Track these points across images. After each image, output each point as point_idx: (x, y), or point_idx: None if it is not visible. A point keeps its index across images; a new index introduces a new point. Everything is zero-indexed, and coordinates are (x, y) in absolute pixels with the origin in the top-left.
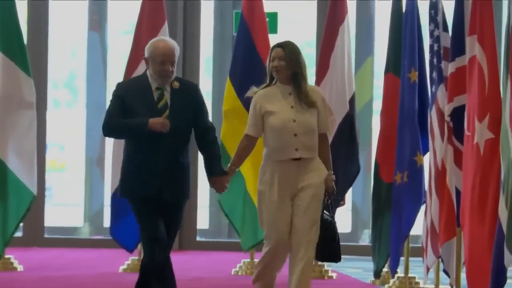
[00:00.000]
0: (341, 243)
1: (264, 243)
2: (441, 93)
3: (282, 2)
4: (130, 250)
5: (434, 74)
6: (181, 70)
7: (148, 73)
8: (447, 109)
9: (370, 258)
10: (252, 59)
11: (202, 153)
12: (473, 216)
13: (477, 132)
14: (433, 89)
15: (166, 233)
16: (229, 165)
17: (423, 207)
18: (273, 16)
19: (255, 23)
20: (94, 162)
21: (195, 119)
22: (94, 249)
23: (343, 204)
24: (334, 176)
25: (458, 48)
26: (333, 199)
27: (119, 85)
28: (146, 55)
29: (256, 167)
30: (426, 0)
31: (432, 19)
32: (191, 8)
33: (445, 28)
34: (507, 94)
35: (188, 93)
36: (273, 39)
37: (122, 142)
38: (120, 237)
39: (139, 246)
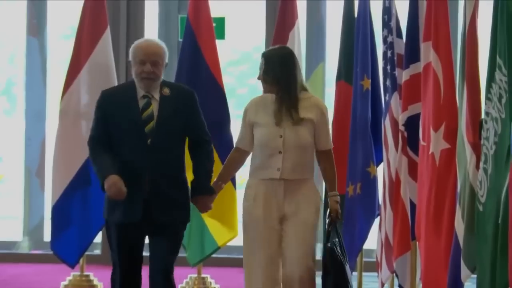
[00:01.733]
0: None
1: (244, 272)
2: (395, 101)
3: (229, 6)
4: (72, 265)
5: (388, 82)
6: (124, 77)
7: (135, 80)
8: (401, 118)
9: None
10: (198, 65)
11: (192, 168)
12: (429, 229)
13: (433, 142)
14: (387, 97)
15: (158, 255)
16: (215, 180)
17: (377, 220)
18: (220, 21)
19: (202, 28)
20: (34, 173)
21: (187, 130)
22: (34, 264)
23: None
24: (338, 197)
25: (412, 54)
26: (338, 224)
27: (101, 94)
28: (130, 57)
29: None
30: (379, 0)
31: (386, 24)
32: (134, 12)
33: (399, 34)
34: (463, 102)
35: (180, 100)
36: (220, 45)
37: (63, 152)
38: (61, 251)
39: (81, 260)
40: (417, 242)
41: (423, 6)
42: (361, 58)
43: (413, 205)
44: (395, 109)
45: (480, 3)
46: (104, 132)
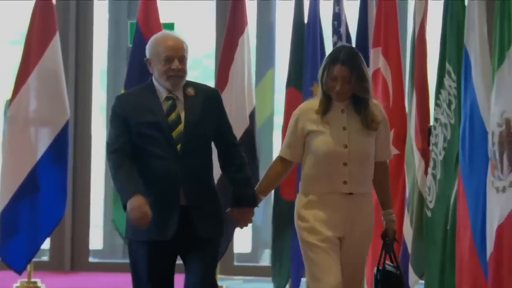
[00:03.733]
0: (240, 264)
1: None
2: None
3: (179, 12)
4: (19, 271)
5: None
6: (73, 83)
7: (154, 79)
8: None
9: (270, 279)
10: (148, 70)
11: (228, 177)
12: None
13: None
14: None
15: (199, 274)
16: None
17: None
18: (170, 26)
19: (151, 33)
20: None
21: (217, 134)
22: None
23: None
24: (394, 215)
25: None
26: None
27: (118, 100)
28: (147, 55)
29: None
30: (329, 6)
31: (335, 30)
32: (83, 18)
33: (349, 40)
34: (412, 108)
35: (207, 101)
36: None
37: (11, 158)
38: (8, 258)
39: (29, 267)
40: None
41: (372, 12)
42: (310, 64)
43: None
44: None
45: (430, 10)
46: (127, 142)
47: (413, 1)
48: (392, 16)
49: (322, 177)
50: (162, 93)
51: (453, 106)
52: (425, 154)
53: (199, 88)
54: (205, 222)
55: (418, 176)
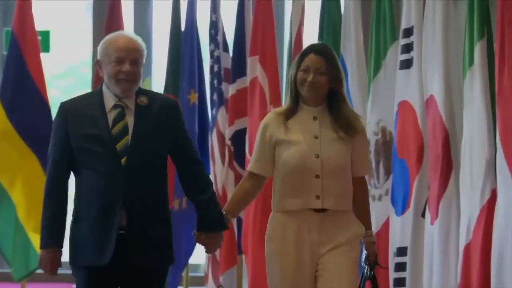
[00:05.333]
0: None
1: None
2: (222, 116)
3: (55, 20)
4: None
5: (215, 96)
6: None
7: (104, 85)
8: (228, 132)
9: None
10: (23, 78)
11: (191, 199)
12: (256, 242)
13: None
14: (214, 112)
15: None
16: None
17: None
18: (46, 34)
19: (26, 41)
20: None
21: (174, 150)
22: None
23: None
24: (375, 237)
25: (239, 69)
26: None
27: (61, 107)
28: (98, 56)
29: (30, 190)
30: (206, 14)
31: (212, 38)
32: None
33: (226, 49)
34: None
35: (161, 111)
36: (45, 58)
37: None
38: None
39: None
40: (243, 256)
41: (249, 21)
42: (188, 72)
43: (239, 220)
44: (222, 124)
45: (307, 17)
46: (64, 155)
47: (291, 2)
48: (269, 25)
49: (292, 191)
50: (110, 100)
51: None
52: None
53: (154, 97)
54: (144, 249)
55: None
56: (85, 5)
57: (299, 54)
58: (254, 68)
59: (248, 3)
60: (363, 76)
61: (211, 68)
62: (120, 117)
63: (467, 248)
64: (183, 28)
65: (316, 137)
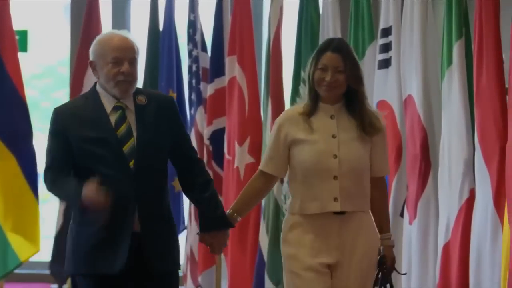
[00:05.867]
0: None
1: None
2: (200, 115)
3: (32, 19)
4: None
5: (193, 96)
6: None
7: (98, 86)
8: (206, 132)
9: None
10: (1, 78)
11: (192, 199)
12: (234, 242)
13: (238, 156)
14: (192, 111)
15: None
16: (229, 212)
17: (183, 234)
18: (23, 33)
19: (4, 41)
20: None
21: (174, 149)
22: None
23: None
24: (393, 240)
25: (217, 69)
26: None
27: (55, 112)
28: (91, 57)
29: (7, 190)
30: (184, 13)
31: (191, 38)
32: None
33: (204, 48)
34: (267, 117)
35: (160, 110)
36: (23, 57)
37: None
38: None
39: None
40: (223, 256)
41: (228, 20)
42: (166, 72)
43: None
44: (200, 123)
45: (285, 17)
46: (66, 162)
47: (269, 2)
48: (247, 23)
49: (309, 194)
50: (109, 102)
51: None
52: None
53: (151, 95)
54: (161, 254)
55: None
56: (63, 5)
57: (316, 50)
58: (232, 67)
59: (226, 3)
60: None
61: (189, 67)
62: (123, 118)
63: (446, 247)
64: (161, 27)
65: (333, 137)
